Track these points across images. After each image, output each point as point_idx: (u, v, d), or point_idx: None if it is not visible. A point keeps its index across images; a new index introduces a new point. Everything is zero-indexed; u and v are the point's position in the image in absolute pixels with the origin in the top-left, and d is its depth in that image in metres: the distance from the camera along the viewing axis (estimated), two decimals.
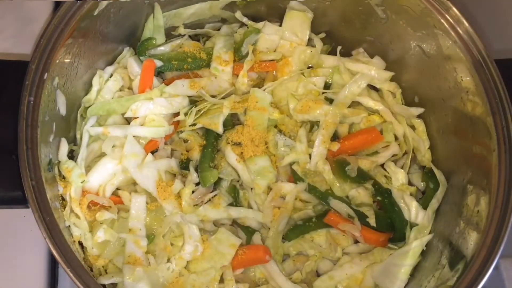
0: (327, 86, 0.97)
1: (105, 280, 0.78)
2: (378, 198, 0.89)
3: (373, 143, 0.93)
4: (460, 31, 0.82)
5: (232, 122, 0.93)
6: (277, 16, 0.98)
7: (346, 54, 0.99)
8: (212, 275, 0.82)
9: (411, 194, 0.90)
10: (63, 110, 0.82)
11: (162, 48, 0.95)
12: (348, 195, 0.89)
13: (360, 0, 0.90)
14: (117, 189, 0.86)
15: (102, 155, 0.86)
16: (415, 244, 0.84)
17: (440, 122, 0.90)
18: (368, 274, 0.86)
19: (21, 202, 0.75)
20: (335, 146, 0.90)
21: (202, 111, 0.90)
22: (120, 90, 0.92)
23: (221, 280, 0.83)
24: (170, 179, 0.87)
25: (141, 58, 0.93)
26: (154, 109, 0.88)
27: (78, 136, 0.87)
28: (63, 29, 0.77)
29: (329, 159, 0.90)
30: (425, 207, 0.87)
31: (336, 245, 0.88)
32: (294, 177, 0.89)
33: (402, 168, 0.92)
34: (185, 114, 0.89)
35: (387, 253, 0.86)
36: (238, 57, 0.95)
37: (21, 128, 0.73)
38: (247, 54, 0.94)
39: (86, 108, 0.88)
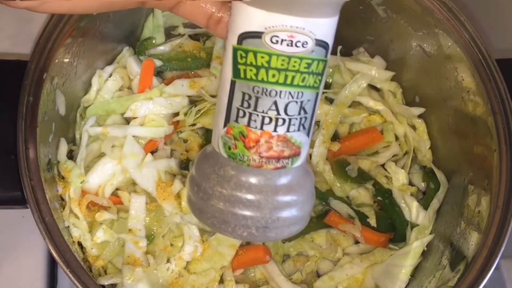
0: (327, 86, 0.97)
1: (105, 281, 0.78)
2: (379, 198, 0.89)
3: (374, 143, 0.93)
4: (461, 31, 0.81)
5: None
6: None
7: (347, 53, 0.99)
8: (212, 275, 0.81)
9: (411, 194, 0.89)
10: (62, 110, 0.82)
11: (161, 47, 0.95)
12: (348, 196, 0.89)
13: (361, 0, 0.90)
14: (117, 189, 0.86)
15: (102, 155, 0.85)
16: (416, 245, 0.84)
17: (441, 122, 0.90)
18: (369, 275, 0.85)
19: (20, 202, 0.75)
20: (336, 146, 0.90)
21: (202, 111, 0.89)
22: (120, 90, 0.91)
23: (221, 281, 0.83)
24: (169, 179, 0.86)
25: (140, 57, 0.93)
26: (154, 109, 0.87)
27: (77, 136, 0.87)
28: (62, 28, 0.77)
29: (330, 159, 0.90)
30: (426, 207, 0.87)
31: (337, 245, 0.88)
32: None
33: (402, 168, 0.91)
34: (185, 114, 0.89)
35: (387, 254, 0.86)
36: None
37: (20, 128, 0.72)
38: None
39: (86, 108, 0.87)
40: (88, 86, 0.89)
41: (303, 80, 0.52)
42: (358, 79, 0.94)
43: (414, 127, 0.94)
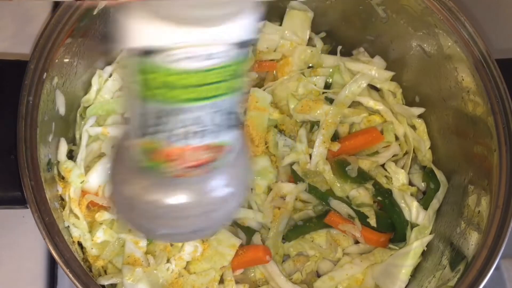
0: (327, 86, 0.97)
1: (105, 281, 0.78)
2: (379, 198, 0.89)
3: (374, 143, 0.93)
4: (461, 31, 0.81)
5: None
6: (277, 16, 0.98)
7: (347, 53, 0.99)
8: (212, 275, 0.81)
9: (411, 194, 0.89)
10: (62, 110, 0.82)
11: None
12: (348, 195, 0.89)
13: (361, 0, 0.90)
14: None
15: (102, 155, 0.85)
16: (416, 245, 0.84)
17: (441, 122, 0.90)
18: (369, 275, 0.85)
19: (20, 202, 0.74)
20: (336, 146, 0.90)
21: None
22: (120, 90, 0.91)
23: (221, 281, 0.83)
24: None
25: None
26: None
27: (77, 136, 0.87)
28: (62, 28, 0.77)
29: (330, 159, 0.90)
30: (425, 207, 0.87)
31: (337, 245, 0.88)
32: (294, 177, 0.89)
33: (402, 168, 0.91)
34: None
35: (387, 254, 0.86)
36: None
37: (20, 128, 0.72)
38: None
39: (86, 108, 0.87)
40: (88, 86, 0.89)
41: (226, 88, 0.45)
42: (358, 79, 0.94)
43: (414, 127, 0.94)
